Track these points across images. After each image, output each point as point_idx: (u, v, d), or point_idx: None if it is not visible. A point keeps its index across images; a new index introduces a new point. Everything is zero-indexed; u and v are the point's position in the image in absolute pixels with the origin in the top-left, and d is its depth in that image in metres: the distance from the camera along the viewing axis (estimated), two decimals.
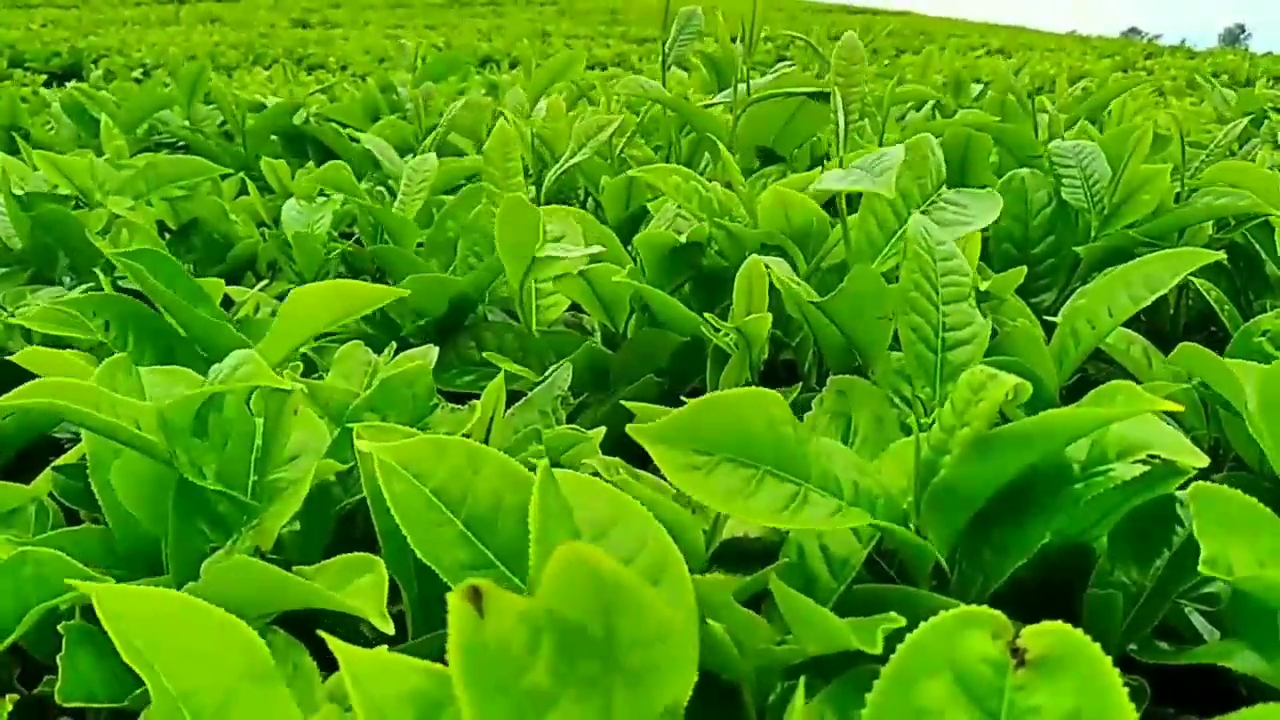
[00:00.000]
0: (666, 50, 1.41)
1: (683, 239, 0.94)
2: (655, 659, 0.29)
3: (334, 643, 0.31)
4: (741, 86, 1.29)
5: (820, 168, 1.36)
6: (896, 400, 0.65)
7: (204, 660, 0.38)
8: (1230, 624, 0.54)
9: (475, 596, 0.26)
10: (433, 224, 1.19)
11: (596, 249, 0.80)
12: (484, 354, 0.90)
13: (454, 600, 0.26)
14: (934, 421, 0.52)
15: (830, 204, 0.91)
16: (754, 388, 0.50)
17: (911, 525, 0.52)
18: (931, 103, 1.81)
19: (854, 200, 0.85)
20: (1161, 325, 1.14)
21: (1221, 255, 0.78)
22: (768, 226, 0.90)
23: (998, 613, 0.29)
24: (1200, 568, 0.44)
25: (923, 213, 0.76)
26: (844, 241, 0.84)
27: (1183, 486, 0.52)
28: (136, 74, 5.11)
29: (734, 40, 1.47)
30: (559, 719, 0.27)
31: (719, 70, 1.52)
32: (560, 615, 0.27)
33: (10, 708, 0.52)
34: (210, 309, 0.86)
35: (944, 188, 0.80)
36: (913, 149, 0.82)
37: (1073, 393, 0.86)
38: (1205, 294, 0.96)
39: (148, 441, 0.55)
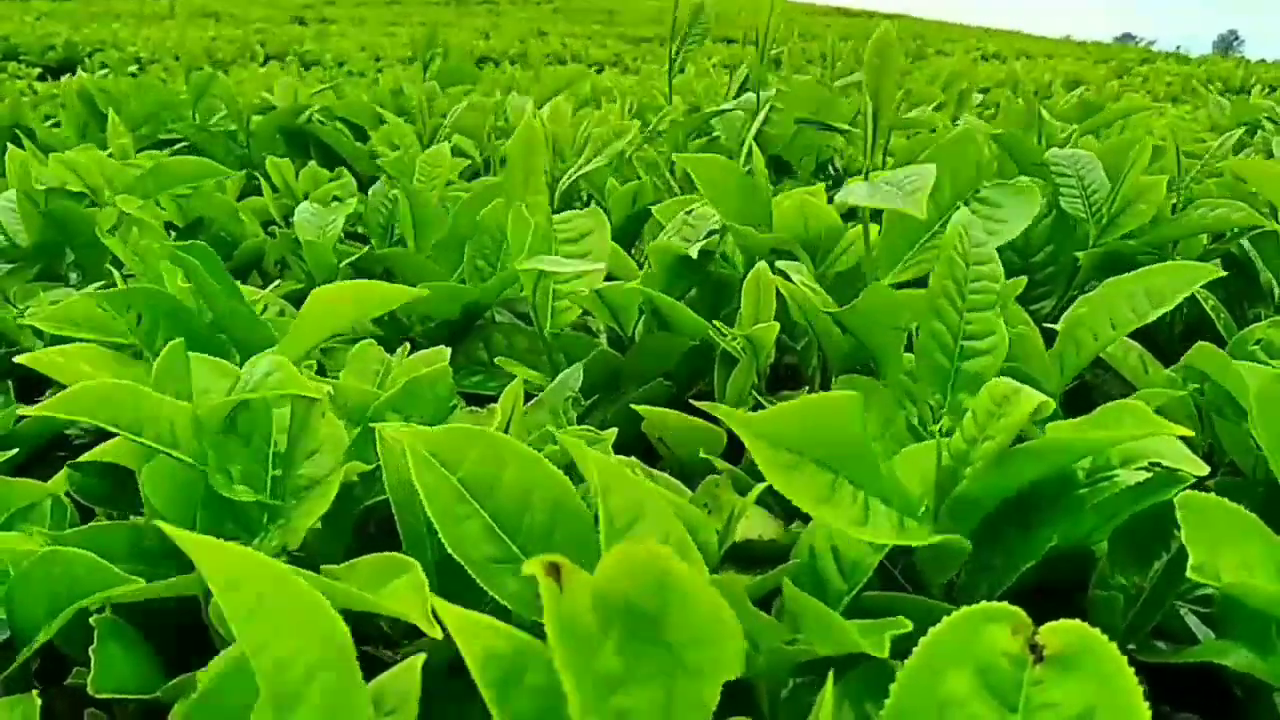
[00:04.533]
0: (674, 54, 1.42)
1: (693, 251, 0.95)
2: (708, 655, 0.30)
3: (441, 605, 0.33)
4: (748, 96, 1.31)
5: (824, 175, 1.38)
6: (905, 403, 0.66)
7: (288, 634, 0.36)
8: (1224, 623, 0.56)
9: (555, 571, 0.28)
10: (445, 225, 1.20)
11: (599, 266, 0.81)
12: (496, 360, 0.91)
13: (538, 572, 0.28)
14: (952, 429, 0.54)
15: (851, 211, 0.92)
16: (842, 392, 0.50)
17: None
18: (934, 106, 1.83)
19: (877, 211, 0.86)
20: (1158, 332, 1.16)
21: (1222, 273, 0.80)
22: (782, 231, 0.91)
23: (1017, 609, 0.31)
24: (1189, 574, 0.46)
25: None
26: (864, 247, 0.85)
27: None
28: (131, 68, 5.11)
29: (731, 43, 1.47)
30: (628, 700, 0.28)
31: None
32: (627, 599, 0.28)
33: (39, 701, 0.53)
34: (247, 305, 0.88)
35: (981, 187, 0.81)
36: (956, 143, 0.82)
37: (1071, 397, 0.88)
38: (1202, 302, 0.98)
39: (179, 455, 0.57)
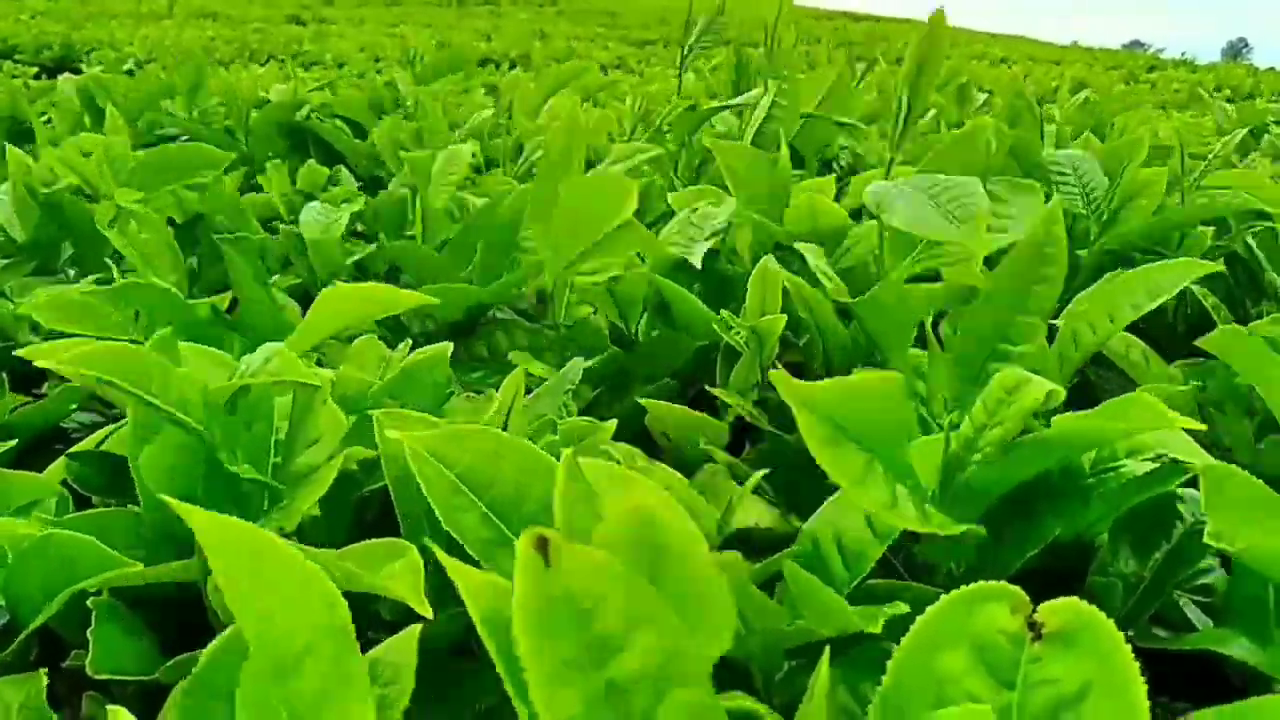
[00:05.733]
0: (685, 53, 1.42)
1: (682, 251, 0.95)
2: (700, 611, 0.30)
3: (450, 563, 0.33)
4: (755, 92, 1.31)
5: (830, 171, 1.38)
6: (911, 396, 0.66)
7: (288, 605, 0.37)
8: (1224, 613, 0.56)
9: (543, 545, 0.28)
10: (458, 229, 1.20)
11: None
12: (511, 355, 0.91)
13: (522, 545, 0.28)
14: (952, 421, 0.54)
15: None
16: (892, 373, 0.50)
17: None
18: (934, 111, 1.83)
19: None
20: (1159, 330, 1.16)
21: (1220, 266, 0.80)
22: (792, 225, 0.91)
23: (1016, 588, 0.31)
24: (1206, 538, 0.46)
25: None
26: (877, 241, 0.84)
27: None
28: (129, 67, 5.11)
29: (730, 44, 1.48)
30: (619, 670, 0.28)
31: (742, 73, 1.53)
32: (631, 562, 0.28)
33: (45, 681, 0.53)
34: (270, 296, 0.87)
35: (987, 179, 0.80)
36: (969, 137, 0.82)
37: (1074, 394, 0.88)
38: (1202, 300, 0.98)
39: (186, 421, 0.56)
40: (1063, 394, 0.52)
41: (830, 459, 0.48)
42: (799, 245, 0.76)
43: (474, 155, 1.89)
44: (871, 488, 0.49)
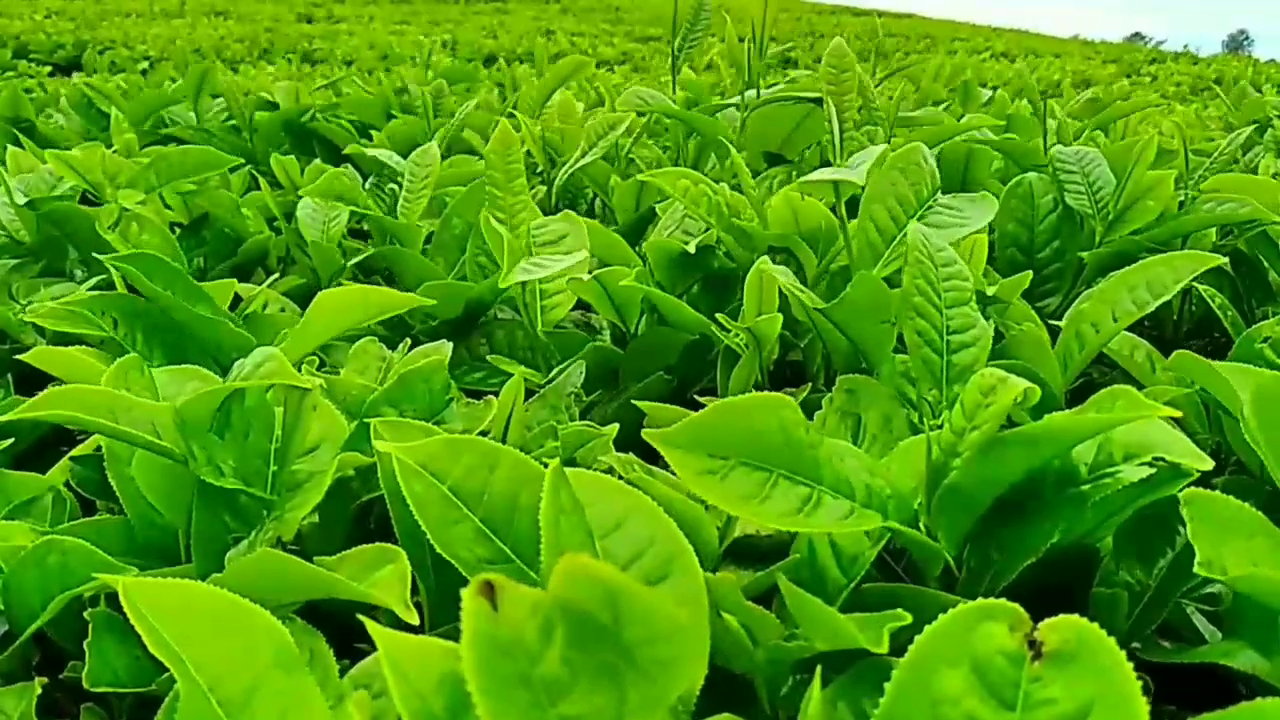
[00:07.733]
0: (676, 50, 1.41)
1: (691, 246, 0.94)
2: (665, 653, 0.30)
3: (372, 626, 0.32)
4: (749, 91, 1.30)
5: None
6: (902, 401, 0.66)
7: (230, 649, 0.38)
8: (1231, 624, 0.55)
9: (489, 590, 0.28)
10: (440, 220, 1.20)
11: (580, 256, 0.80)
12: (489, 357, 0.91)
13: (468, 595, 0.27)
14: (943, 423, 0.53)
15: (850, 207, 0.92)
16: (766, 392, 0.50)
17: (921, 525, 0.53)
18: (940, 106, 1.82)
19: (854, 207, 0.86)
20: (1165, 331, 1.15)
21: (1223, 260, 0.79)
22: (777, 228, 0.91)
23: (1015, 606, 0.30)
24: (1196, 569, 0.46)
25: (919, 219, 0.77)
26: (845, 247, 0.84)
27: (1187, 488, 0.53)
28: (141, 66, 5.13)
29: (740, 40, 1.47)
30: (572, 708, 0.28)
31: (740, 70, 1.53)
32: (574, 607, 0.28)
33: (39, 691, 0.53)
34: (210, 307, 0.87)
35: (939, 194, 0.81)
36: (905, 157, 0.83)
37: (1076, 396, 0.87)
38: (1209, 300, 0.97)
39: (163, 446, 0.56)
40: (1038, 393, 0.51)
41: (709, 488, 0.48)
42: (765, 266, 0.76)
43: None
44: (773, 502, 0.49)
